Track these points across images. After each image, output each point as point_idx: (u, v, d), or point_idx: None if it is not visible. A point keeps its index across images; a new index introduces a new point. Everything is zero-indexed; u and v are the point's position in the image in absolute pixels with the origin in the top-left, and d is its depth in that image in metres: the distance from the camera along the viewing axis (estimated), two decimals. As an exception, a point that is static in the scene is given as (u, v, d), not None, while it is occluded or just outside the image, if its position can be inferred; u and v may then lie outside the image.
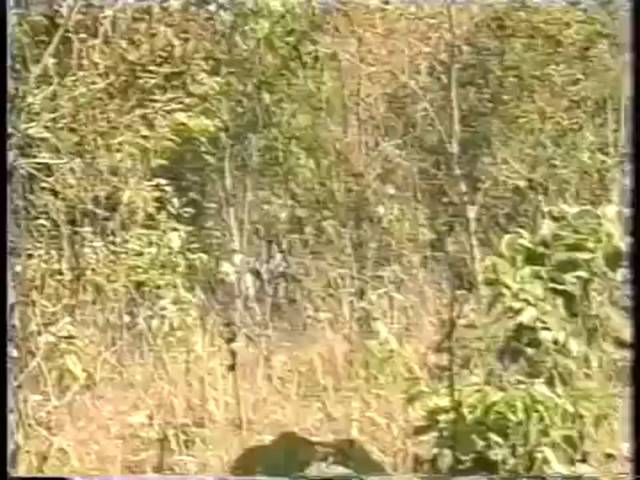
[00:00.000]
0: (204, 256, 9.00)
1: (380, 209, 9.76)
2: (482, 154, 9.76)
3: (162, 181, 8.58)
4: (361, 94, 10.06)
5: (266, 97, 9.90)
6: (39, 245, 7.85)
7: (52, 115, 7.43)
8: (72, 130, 8.33)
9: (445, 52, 9.47)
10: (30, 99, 6.28)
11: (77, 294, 7.64)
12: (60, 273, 7.80)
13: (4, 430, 3.34)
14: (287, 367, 7.36)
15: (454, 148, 9.15)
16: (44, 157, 7.95)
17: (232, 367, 6.06)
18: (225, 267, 9.56)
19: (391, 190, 9.90)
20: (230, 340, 6.11)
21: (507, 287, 4.60)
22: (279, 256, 9.80)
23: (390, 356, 7.06)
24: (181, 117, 8.72)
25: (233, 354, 5.98)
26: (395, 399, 6.25)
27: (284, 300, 9.39)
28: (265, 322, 8.33)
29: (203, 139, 9.43)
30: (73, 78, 7.37)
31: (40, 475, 5.40)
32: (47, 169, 8.08)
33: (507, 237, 4.68)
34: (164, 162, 8.82)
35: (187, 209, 8.84)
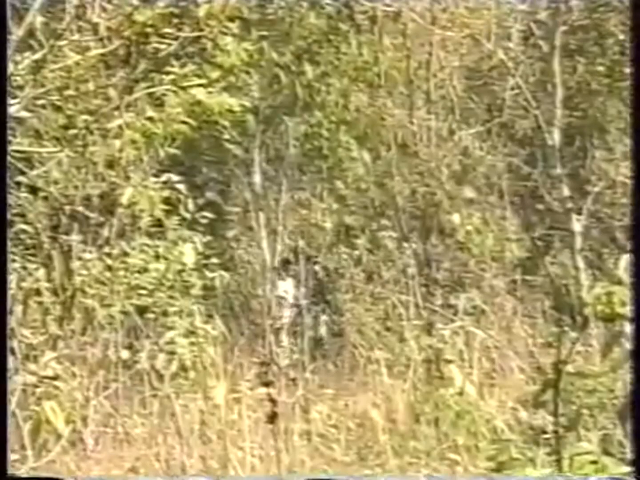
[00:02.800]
0: (226, 275, 9.04)
1: (455, 218, 9.73)
2: (592, 147, 9.66)
3: (174, 177, 8.62)
4: (432, 67, 10.03)
5: (308, 69, 9.93)
6: (14, 257, 7.91)
7: (35, 91, 7.48)
8: (58, 109, 8.40)
9: (546, 11, 9.39)
10: (10, 68, 6.31)
11: (61, 321, 7.69)
12: (40, 294, 7.84)
13: (4, 430, 3.96)
14: (330, 421, 7.35)
15: (555, 139, 9.06)
16: (22, 143, 8.01)
17: (271, 419, 6.04)
18: (253, 289, 9.57)
19: (470, 193, 9.87)
20: (267, 384, 6.10)
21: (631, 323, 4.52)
22: (321, 276, 9.80)
23: (468, 411, 7.01)
24: (199, 93, 8.76)
25: (273, 401, 5.96)
26: (477, 468, 6.21)
27: (327, 334, 9.39)
28: (302, 361, 8.33)
29: (226, 123, 9.45)
30: (63, 42, 7.43)
31: (40, 475, 5.81)
32: (26, 159, 8.14)
33: (626, 257, 4.61)
34: (175, 151, 8.86)
35: (205, 214, 8.88)
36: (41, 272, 7.92)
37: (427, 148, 9.92)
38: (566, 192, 9.25)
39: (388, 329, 8.65)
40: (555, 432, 4.30)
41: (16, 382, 6.34)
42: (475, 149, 9.95)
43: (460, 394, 7.15)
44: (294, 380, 7.69)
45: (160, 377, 7.67)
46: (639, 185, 3.83)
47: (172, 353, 8.03)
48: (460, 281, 9.47)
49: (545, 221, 9.69)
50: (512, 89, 9.64)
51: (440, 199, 9.84)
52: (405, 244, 9.67)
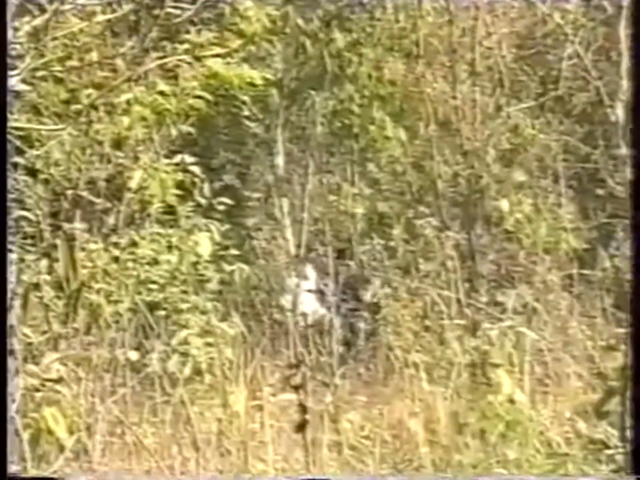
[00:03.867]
0: (245, 267, 9.03)
1: (503, 204, 9.69)
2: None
3: (188, 158, 8.62)
4: (478, 34, 9.97)
5: (338, 37, 9.89)
6: (11, 247, 7.92)
7: (35, 61, 7.49)
8: (60, 82, 8.40)
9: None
10: (8, 35, 6.34)
11: (64, 319, 7.70)
12: (40, 288, 7.86)
13: (4, 430, 4.44)
14: (363, 432, 7.35)
15: (619, 114, 8.96)
16: (19, 120, 8.02)
17: (301, 427, 6.05)
18: (276, 283, 9.55)
19: (520, 176, 9.82)
20: (296, 388, 6.10)
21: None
22: (352, 270, 9.77)
23: (519, 421, 6.98)
24: (216, 65, 8.75)
25: (302, 408, 5.96)
26: (531, 485, 6.19)
27: (359, 335, 9.37)
28: (331, 364, 8.32)
29: (246, 98, 9.45)
30: (67, 7, 7.45)
31: (39, 475, 6.03)
32: (24, 137, 8.16)
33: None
34: (190, 130, 8.86)
35: (222, 200, 8.86)
36: (41, 265, 7.94)
37: (472, 125, 9.86)
38: (630, 175, 9.15)
39: (427, 329, 8.62)
40: (621, 447, 4.26)
41: (15, 385, 6.36)
42: (527, 127, 9.88)
43: (510, 402, 7.11)
44: (324, 384, 7.69)
45: (173, 381, 7.66)
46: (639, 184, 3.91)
47: (186, 354, 8.02)
48: (508, 275, 9.42)
49: (607, 208, 9.62)
50: (570, 58, 9.55)
51: (487, 183, 9.78)
52: (446, 234, 9.63)
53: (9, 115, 7.65)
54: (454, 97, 9.97)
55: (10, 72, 6.44)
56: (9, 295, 5.04)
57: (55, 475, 6.38)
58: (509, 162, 9.92)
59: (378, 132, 10.08)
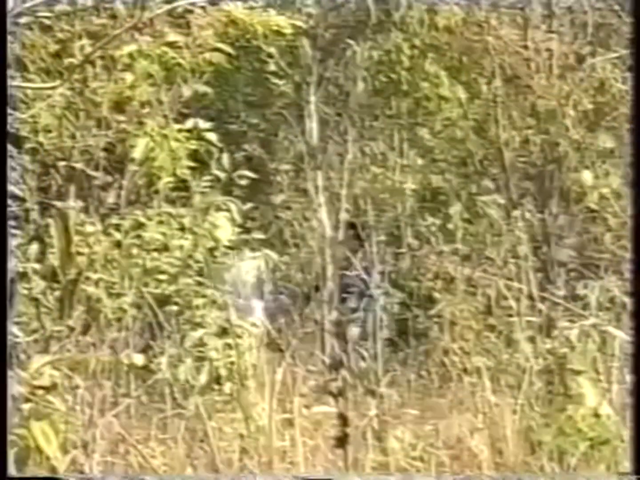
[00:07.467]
0: (272, 254, 9.08)
1: (586, 176, 9.68)
2: None
3: (203, 123, 8.66)
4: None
5: (383, -25, 9.92)
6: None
7: (18, 5, 7.55)
8: (47, 30, 8.46)
9: None
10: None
11: (57, 314, 7.76)
12: (29, 279, 7.93)
13: (4, 430, 4.99)
14: (414, 451, 7.39)
15: None
16: None
17: (340, 442, 6.10)
18: (309, 273, 9.60)
19: (606, 142, 9.80)
20: (335, 395, 6.16)
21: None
22: (401, 257, 9.79)
23: (605, 439, 6.99)
24: (236, 10, 8.78)
25: (343, 419, 6.02)
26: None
27: (409, 335, 9.39)
28: (375, 370, 8.36)
29: (272, 50, 9.48)
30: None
31: (40, 475, 6.24)
32: (6, 98, 8.21)
33: None
34: (205, 89, 8.90)
35: (244, 173, 8.91)
36: (30, 251, 8.00)
37: (547, 81, 9.85)
38: None
39: (492, 328, 8.65)
40: None
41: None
42: (616, 82, 9.86)
43: (595, 416, 7.13)
44: (367, 394, 7.73)
45: (186, 390, 7.74)
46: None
47: (202, 359, 8.09)
48: (592, 264, 9.42)
49: None
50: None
51: (565, 151, 9.77)
52: (515, 213, 9.63)
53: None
54: (525, 47, 9.95)
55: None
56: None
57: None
58: (592, 125, 9.89)
59: (431, 90, 10.09)
